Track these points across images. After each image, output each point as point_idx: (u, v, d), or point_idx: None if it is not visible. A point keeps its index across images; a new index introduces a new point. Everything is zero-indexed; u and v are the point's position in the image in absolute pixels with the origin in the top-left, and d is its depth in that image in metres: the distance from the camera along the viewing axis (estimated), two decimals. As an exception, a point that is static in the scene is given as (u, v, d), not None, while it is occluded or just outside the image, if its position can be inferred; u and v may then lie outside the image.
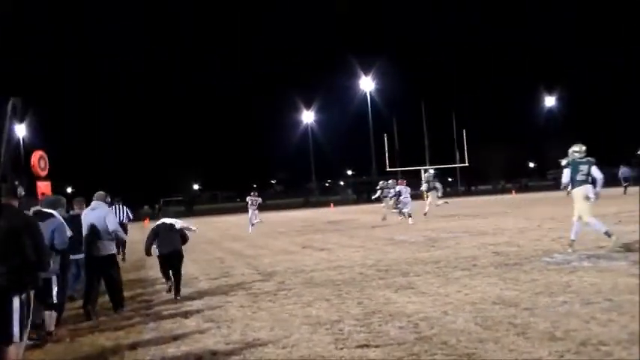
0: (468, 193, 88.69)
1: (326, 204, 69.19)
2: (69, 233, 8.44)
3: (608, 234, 12.81)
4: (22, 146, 72.50)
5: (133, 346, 7.74)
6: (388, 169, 61.80)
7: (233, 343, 7.43)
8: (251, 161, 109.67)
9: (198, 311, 9.73)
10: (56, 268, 8.11)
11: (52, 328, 8.35)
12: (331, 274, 12.57)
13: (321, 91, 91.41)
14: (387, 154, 61.23)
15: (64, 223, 8.47)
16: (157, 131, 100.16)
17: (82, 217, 10.30)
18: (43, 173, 10.56)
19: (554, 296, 8.56)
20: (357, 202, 77.74)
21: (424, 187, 27.42)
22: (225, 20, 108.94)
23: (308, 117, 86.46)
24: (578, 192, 12.99)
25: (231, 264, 16.00)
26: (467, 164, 62.92)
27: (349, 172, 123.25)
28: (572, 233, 13.10)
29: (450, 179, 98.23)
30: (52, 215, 8.28)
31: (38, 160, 10.48)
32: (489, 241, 15.85)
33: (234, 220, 44.49)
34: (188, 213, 70.64)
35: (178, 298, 11.04)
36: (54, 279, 8.15)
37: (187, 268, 15.16)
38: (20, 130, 72.92)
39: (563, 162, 13.48)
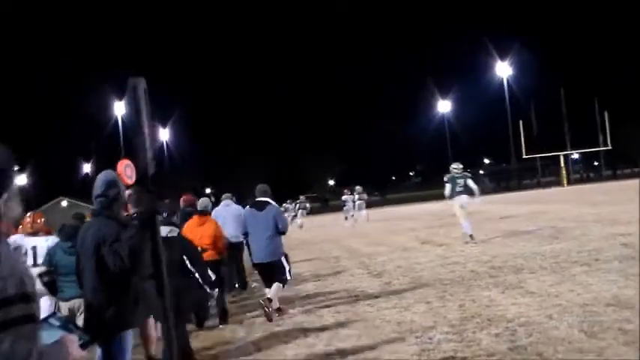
0: (614, 177, 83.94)
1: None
2: None
3: (471, 237, 16.19)
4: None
5: (215, 357, 7.48)
6: (525, 156, 59.55)
7: (314, 356, 7.01)
8: (388, 154, 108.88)
9: (291, 317, 9.38)
10: None
11: None
12: (442, 272, 11.90)
13: (456, 79, 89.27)
14: (522, 141, 58.85)
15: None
16: (290, 127, 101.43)
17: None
18: (131, 182, 10.51)
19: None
20: (494, 191, 75.47)
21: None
22: (361, 10, 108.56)
23: (444, 106, 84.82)
24: (457, 201, 16.72)
25: (344, 263, 15.61)
26: (610, 147, 59.51)
27: (486, 161, 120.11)
28: (466, 229, 16.53)
29: (595, 163, 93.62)
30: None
31: (124, 168, 10.43)
32: (620, 230, 14.54)
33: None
34: (322, 209, 70.93)
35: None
36: None
37: (299, 267, 15.02)
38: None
39: (445, 178, 17.31)
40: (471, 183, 16.75)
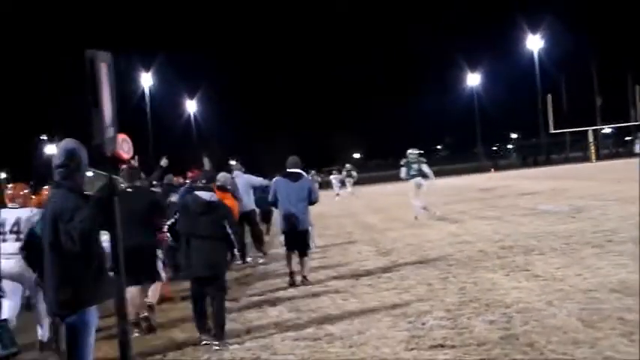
0: None
1: (486, 169, 66.61)
2: None
3: (426, 209, 18.01)
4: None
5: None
6: (552, 131, 58.50)
7: (300, 339, 6.79)
8: (416, 127, 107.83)
9: (289, 298, 9.14)
10: None
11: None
12: (450, 251, 11.59)
13: (485, 51, 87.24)
14: (551, 115, 57.75)
15: None
16: (316, 100, 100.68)
17: None
18: (128, 156, 10.22)
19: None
20: (521, 166, 74.51)
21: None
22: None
23: (473, 79, 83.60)
24: (411, 182, 17.98)
25: (355, 239, 15.38)
26: (640, 122, 58.29)
27: (514, 136, 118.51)
28: (417, 211, 18.10)
29: (627, 138, 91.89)
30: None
31: (121, 142, 10.14)
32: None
33: (389, 190, 43.78)
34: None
35: None
36: None
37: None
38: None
39: (402, 162, 18.67)
40: (424, 167, 18.23)
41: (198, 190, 7.50)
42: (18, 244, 6.74)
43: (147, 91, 74.17)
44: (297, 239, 10.21)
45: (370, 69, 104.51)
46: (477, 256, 10.68)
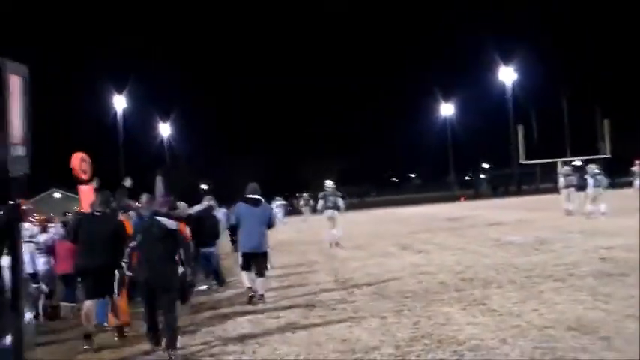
0: (613, 185, 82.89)
1: (458, 198, 66.62)
2: None
3: (331, 244, 19.45)
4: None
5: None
6: (522, 162, 58.77)
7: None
8: (389, 155, 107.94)
9: (235, 328, 8.77)
10: None
11: None
12: (409, 282, 11.28)
13: (459, 82, 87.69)
14: (520, 146, 58.06)
15: None
16: (289, 125, 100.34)
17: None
18: (86, 177, 9.88)
19: (647, 321, 6.91)
20: (492, 196, 74.67)
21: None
22: (363, 11, 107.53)
23: (447, 109, 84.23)
24: (325, 214, 20.03)
25: (316, 268, 15.02)
26: (609, 156, 58.70)
27: (486, 165, 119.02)
28: (328, 238, 19.75)
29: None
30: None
31: (80, 162, 9.81)
32: (603, 243, 13.89)
33: (360, 218, 43.53)
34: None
35: None
36: None
37: (272, 270, 14.52)
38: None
39: (320, 195, 20.87)
40: (339, 201, 20.17)
41: (160, 217, 7.98)
42: None
43: (119, 112, 73.77)
44: (256, 260, 10.88)
45: (346, 96, 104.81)
46: (436, 288, 10.39)
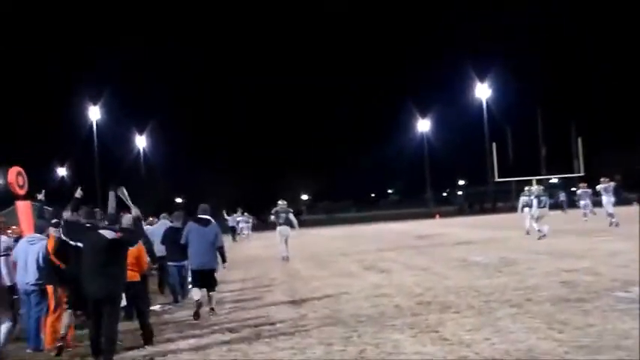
0: (557, 206, 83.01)
1: (434, 215, 66.52)
2: None
3: (283, 258, 20.82)
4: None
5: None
6: (497, 179, 58.69)
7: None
8: (367, 170, 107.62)
9: (175, 353, 8.30)
10: None
11: None
12: (364, 305, 10.89)
13: (436, 98, 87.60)
14: (495, 164, 58.03)
15: None
16: (265, 140, 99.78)
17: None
18: (22, 192, 9.40)
19: (602, 353, 6.56)
20: (467, 213, 74.68)
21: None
22: (341, 27, 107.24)
23: (424, 125, 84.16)
24: (278, 230, 21.05)
25: (274, 287, 14.56)
26: (583, 174, 58.80)
27: (462, 182, 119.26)
28: (282, 253, 21.04)
29: (572, 189, 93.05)
30: None
31: (16, 176, 9.33)
32: (566, 266, 13.59)
33: (333, 233, 43.08)
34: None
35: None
36: None
37: (229, 286, 14.37)
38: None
39: (272, 211, 21.99)
40: (291, 217, 21.27)
41: (101, 230, 8.16)
42: None
43: (94, 124, 73.26)
44: (206, 277, 11.33)
45: (321, 113, 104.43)
46: (390, 312, 10.02)
